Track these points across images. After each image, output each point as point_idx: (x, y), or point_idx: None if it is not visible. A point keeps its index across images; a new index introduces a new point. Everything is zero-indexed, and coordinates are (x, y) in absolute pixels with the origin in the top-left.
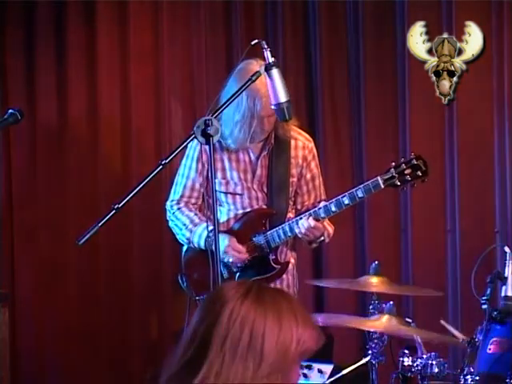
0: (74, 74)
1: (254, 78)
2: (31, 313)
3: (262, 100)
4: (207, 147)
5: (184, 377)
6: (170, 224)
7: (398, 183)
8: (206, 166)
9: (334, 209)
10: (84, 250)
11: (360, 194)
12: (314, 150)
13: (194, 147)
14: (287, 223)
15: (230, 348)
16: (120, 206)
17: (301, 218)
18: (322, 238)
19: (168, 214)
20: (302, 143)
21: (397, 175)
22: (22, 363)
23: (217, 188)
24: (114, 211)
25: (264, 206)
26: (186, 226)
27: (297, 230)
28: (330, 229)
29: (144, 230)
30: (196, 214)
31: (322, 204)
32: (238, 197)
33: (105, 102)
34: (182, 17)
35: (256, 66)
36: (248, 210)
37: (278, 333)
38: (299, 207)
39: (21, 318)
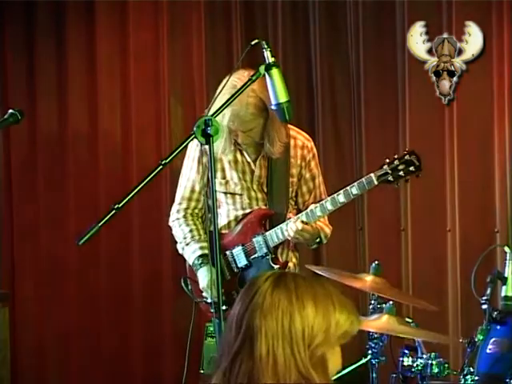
0: (73, 74)
1: (254, 78)
2: (31, 313)
3: (229, 116)
4: (207, 147)
5: (235, 369)
6: (172, 231)
7: (392, 179)
8: (206, 165)
9: (329, 207)
10: (84, 250)
11: (354, 191)
12: (314, 150)
13: (194, 148)
14: (285, 223)
15: (273, 334)
16: (120, 206)
17: (295, 218)
18: (318, 240)
19: (170, 219)
20: (301, 142)
21: (390, 171)
22: (22, 363)
23: (217, 188)
24: (114, 211)
25: (263, 207)
26: (180, 242)
27: (286, 234)
28: (328, 229)
29: (144, 230)
30: (191, 230)
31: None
32: (237, 197)
33: (105, 101)
34: (181, 17)
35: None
36: (248, 210)
37: (316, 318)
38: (301, 207)
39: (21, 317)
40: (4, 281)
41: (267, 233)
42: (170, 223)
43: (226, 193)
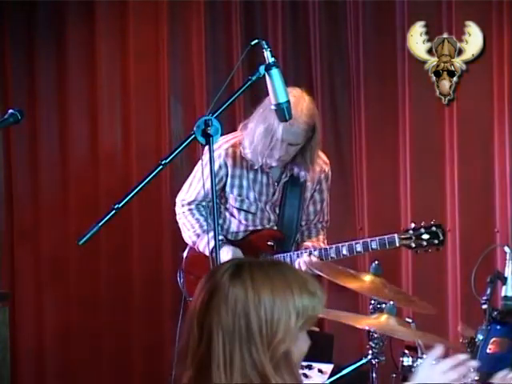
0: (74, 74)
1: (253, 78)
2: (31, 313)
3: (286, 125)
4: (221, 159)
5: (204, 375)
6: (179, 221)
7: (413, 245)
8: (223, 179)
9: (344, 252)
10: (84, 250)
11: (373, 246)
12: (330, 173)
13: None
14: (295, 252)
15: (230, 337)
16: (120, 206)
17: (306, 252)
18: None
19: (177, 210)
20: (319, 167)
21: (414, 237)
22: (22, 363)
23: (231, 202)
24: (114, 211)
25: (275, 228)
26: (195, 230)
27: (296, 264)
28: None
29: (144, 230)
30: (206, 219)
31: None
32: (250, 215)
33: (105, 101)
34: (181, 17)
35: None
36: (259, 227)
37: (274, 312)
38: (303, 223)
39: (21, 317)
40: (4, 281)
41: (275, 256)
42: (180, 214)
43: (239, 209)
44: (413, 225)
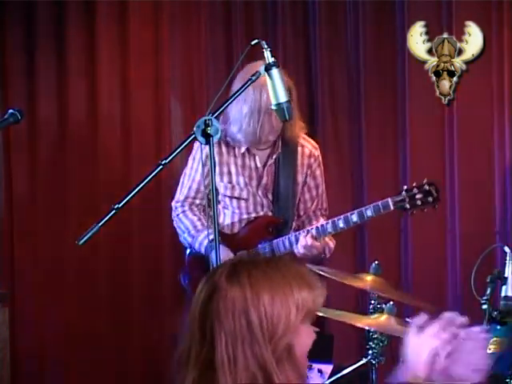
0: (73, 74)
1: (254, 78)
2: (31, 313)
3: (268, 93)
4: (207, 147)
5: (208, 376)
6: (174, 224)
7: (408, 206)
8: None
9: (341, 225)
10: (84, 250)
11: (369, 213)
12: (320, 158)
13: (201, 149)
14: (293, 234)
15: (232, 337)
16: (120, 206)
17: (304, 233)
18: (323, 255)
19: (173, 213)
20: (308, 151)
21: (407, 199)
22: (22, 363)
23: (222, 191)
24: (114, 211)
25: (269, 213)
26: (189, 232)
27: (294, 247)
28: (332, 244)
29: (144, 230)
30: (200, 219)
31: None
32: (242, 201)
33: (105, 101)
34: (181, 17)
35: (258, 65)
36: (253, 214)
37: (274, 308)
38: (301, 213)
39: (21, 317)
40: (4, 281)
41: (274, 241)
42: (175, 217)
43: (231, 197)
44: (405, 187)
